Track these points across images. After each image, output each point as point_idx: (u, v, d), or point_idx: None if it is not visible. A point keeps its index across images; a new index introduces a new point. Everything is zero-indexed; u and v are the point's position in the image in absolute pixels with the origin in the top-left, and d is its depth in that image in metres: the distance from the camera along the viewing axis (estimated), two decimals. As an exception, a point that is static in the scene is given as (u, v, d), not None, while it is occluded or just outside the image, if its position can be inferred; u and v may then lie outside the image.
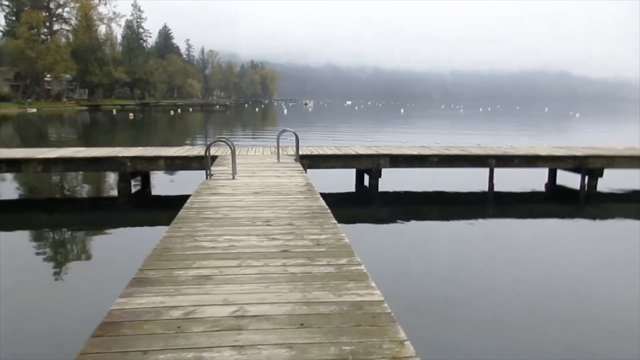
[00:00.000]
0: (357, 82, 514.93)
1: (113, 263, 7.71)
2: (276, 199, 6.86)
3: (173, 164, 12.08)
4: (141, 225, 10.63)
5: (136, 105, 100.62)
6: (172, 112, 75.75)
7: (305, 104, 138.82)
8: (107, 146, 17.79)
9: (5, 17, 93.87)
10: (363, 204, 12.79)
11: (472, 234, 10.30)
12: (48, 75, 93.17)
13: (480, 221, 11.51)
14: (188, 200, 6.72)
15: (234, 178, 8.60)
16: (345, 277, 3.88)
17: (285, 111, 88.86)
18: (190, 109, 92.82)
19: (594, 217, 12.16)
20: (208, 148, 8.75)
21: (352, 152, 12.85)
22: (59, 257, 8.29)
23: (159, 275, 3.88)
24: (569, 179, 14.48)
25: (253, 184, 8.15)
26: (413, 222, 11.23)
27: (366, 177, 13.85)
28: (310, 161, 12.35)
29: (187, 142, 31.82)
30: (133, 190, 13.16)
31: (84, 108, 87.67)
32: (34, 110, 75.37)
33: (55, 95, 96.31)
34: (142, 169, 12.20)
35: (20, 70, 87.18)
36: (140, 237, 9.32)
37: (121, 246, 8.78)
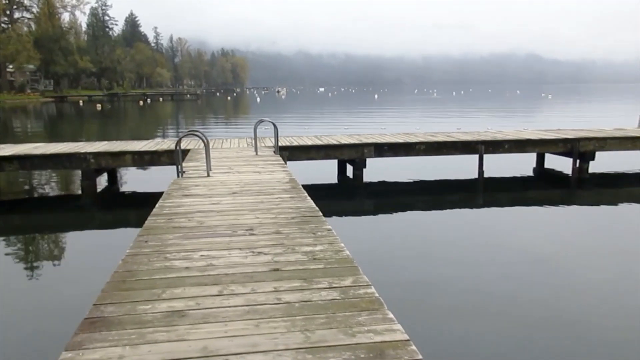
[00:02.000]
0: (329, 69, 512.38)
1: (69, 281, 6.78)
2: (258, 200, 6.05)
3: (141, 160, 11.11)
4: (107, 227, 9.68)
5: (104, 96, 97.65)
6: (141, 103, 73.57)
7: (278, 92, 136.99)
8: (74, 139, 16.60)
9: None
10: (347, 197, 12.06)
11: (464, 224, 9.71)
12: (10, 66, 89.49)
13: (473, 210, 10.92)
14: (157, 205, 5.85)
15: (208, 175, 7.74)
16: (354, 305, 3.12)
17: (258, 99, 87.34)
18: (161, 99, 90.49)
19: (586, 202, 11.69)
20: (178, 142, 7.85)
21: (335, 142, 12.07)
22: (5, 273, 7.27)
23: (119, 313, 3.06)
24: (557, 163, 14.05)
25: (230, 181, 7.30)
26: (401, 214, 10.56)
27: (349, 168, 13.14)
28: (290, 153, 11.55)
29: (159, 133, 30.57)
30: (100, 187, 12.17)
31: (50, 99, 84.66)
32: (-4, 102, 72.34)
33: (19, 87, 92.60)
34: (107, 165, 11.21)
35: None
36: (104, 243, 8.37)
37: (80, 257, 7.83)
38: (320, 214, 5.37)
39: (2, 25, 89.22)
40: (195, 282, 3.53)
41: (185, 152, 10.71)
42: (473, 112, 43.98)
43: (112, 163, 11.18)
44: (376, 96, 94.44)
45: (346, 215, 10.44)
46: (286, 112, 50.59)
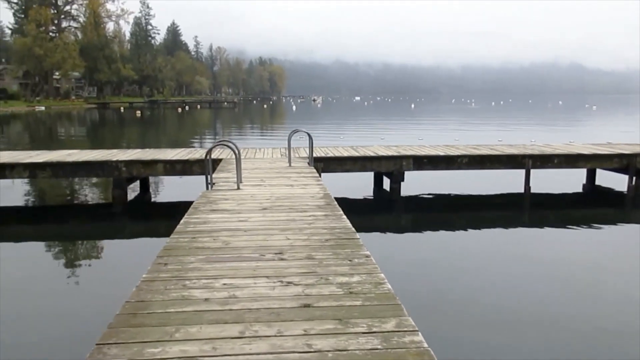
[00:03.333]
0: (365, 78, 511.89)
1: (90, 294, 6.45)
2: (289, 218, 5.59)
3: (173, 169, 10.85)
4: (136, 237, 9.42)
5: (144, 103, 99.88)
6: (179, 110, 74.78)
7: (314, 101, 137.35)
8: (112, 143, 16.52)
9: (14, 14, 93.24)
10: (384, 211, 11.49)
11: (511, 244, 9.05)
12: (57, 73, 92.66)
13: (519, 229, 10.20)
14: (182, 221, 5.46)
15: (238, 188, 7.34)
16: (399, 358, 2.61)
17: (294, 108, 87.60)
18: (199, 106, 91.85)
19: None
20: (208, 153, 7.49)
21: (371, 154, 11.55)
22: (29, 280, 7.01)
23: (123, 357, 2.63)
24: (609, 180, 13.14)
25: (261, 195, 6.88)
26: (442, 232, 9.92)
27: (385, 181, 12.59)
28: (325, 164, 11.09)
29: (193, 139, 30.71)
30: (131, 196, 12.00)
31: (93, 106, 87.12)
32: (43, 108, 74.94)
33: (64, 93, 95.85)
34: (138, 174, 10.99)
35: (29, 68, 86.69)
36: (130, 255, 8.07)
37: (105, 270, 7.55)
38: (357, 236, 4.87)
39: (50, 34, 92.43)
40: (214, 318, 3.08)
41: (217, 161, 10.41)
42: (514, 124, 42.63)
43: (143, 172, 10.96)
44: (413, 105, 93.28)
45: (382, 231, 9.91)
46: (321, 120, 50.33)
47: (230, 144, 7.70)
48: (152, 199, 12.58)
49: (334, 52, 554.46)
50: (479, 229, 10.08)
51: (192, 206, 6.19)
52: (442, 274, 7.37)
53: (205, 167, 7.60)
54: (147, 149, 12.71)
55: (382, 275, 3.78)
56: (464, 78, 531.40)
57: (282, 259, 4.19)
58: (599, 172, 13.22)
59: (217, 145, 8.44)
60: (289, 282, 3.66)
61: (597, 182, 13.46)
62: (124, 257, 8.05)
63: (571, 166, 11.97)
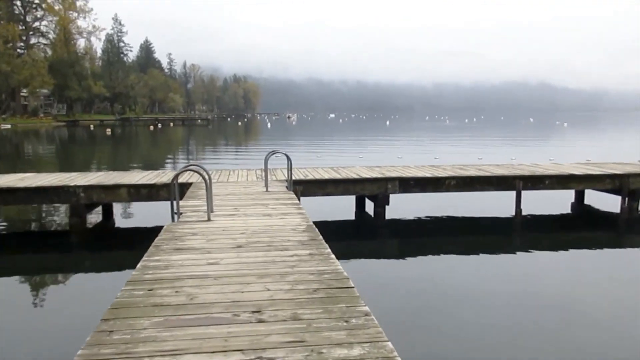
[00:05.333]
0: (339, 95, 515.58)
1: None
2: (269, 259, 4.73)
3: (137, 194, 9.86)
4: (95, 271, 8.39)
5: (116, 121, 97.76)
6: (152, 127, 73.15)
7: (289, 118, 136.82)
8: (79, 164, 15.34)
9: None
10: (368, 237, 10.71)
11: (504, 272, 8.46)
12: (24, 90, 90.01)
13: (513, 257, 9.52)
14: (139, 265, 4.55)
15: (209, 219, 6.45)
16: None
17: (269, 125, 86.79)
18: (172, 124, 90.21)
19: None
20: (175, 179, 6.58)
21: (354, 176, 10.78)
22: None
23: None
24: (597, 199, 12.71)
25: (235, 229, 5.99)
26: (431, 258, 9.27)
27: (368, 203, 11.84)
28: (304, 187, 10.28)
29: (169, 159, 29.55)
30: (94, 222, 10.97)
31: (62, 124, 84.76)
32: (9, 126, 72.63)
33: (32, 111, 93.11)
34: (99, 199, 9.97)
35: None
36: (81, 301, 7.02)
37: (53, 314, 6.51)
38: (351, 283, 4.04)
39: (19, 50, 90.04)
40: None
41: (187, 185, 9.49)
42: (490, 141, 42.60)
43: (104, 197, 9.95)
44: (387, 123, 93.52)
45: (367, 258, 9.20)
46: (297, 138, 49.62)
47: (199, 170, 6.81)
48: (116, 227, 11.50)
49: (308, 70, 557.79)
50: (469, 255, 9.38)
51: (153, 244, 5.26)
52: (434, 305, 6.72)
53: (170, 196, 6.67)
54: (111, 172, 11.70)
55: (390, 345, 2.96)
56: (437, 96, 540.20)
57: (260, 321, 3.32)
58: (588, 192, 12.78)
59: (185, 170, 7.53)
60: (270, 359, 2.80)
61: (586, 202, 13.00)
62: (75, 300, 7.00)
63: (563, 187, 11.44)
